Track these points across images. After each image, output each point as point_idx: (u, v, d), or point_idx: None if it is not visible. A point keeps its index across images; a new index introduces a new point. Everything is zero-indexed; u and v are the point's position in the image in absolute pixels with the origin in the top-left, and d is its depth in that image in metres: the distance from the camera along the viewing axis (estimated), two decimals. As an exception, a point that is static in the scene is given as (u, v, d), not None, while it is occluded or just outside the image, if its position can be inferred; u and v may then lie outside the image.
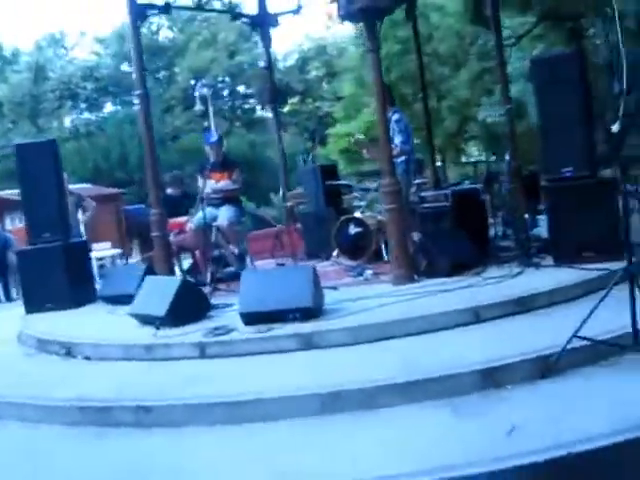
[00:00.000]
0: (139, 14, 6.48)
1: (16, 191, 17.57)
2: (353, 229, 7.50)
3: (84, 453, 3.52)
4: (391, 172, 5.89)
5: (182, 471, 3.11)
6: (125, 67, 31.91)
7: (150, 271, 6.78)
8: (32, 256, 7.25)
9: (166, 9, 6.91)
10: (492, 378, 3.60)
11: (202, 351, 4.64)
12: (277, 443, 3.29)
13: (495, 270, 5.92)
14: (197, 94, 20.93)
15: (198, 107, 20.84)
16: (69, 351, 5.26)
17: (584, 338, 3.64)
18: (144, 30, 32.61)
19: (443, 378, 3.61)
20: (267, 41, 10.05)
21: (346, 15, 5.91)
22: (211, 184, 6.52)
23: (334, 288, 5.75)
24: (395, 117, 6.59)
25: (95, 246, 14.31)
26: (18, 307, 7.56)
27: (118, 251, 13.89)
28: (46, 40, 32.45)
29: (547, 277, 5.33)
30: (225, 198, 6.58)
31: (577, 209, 5.64)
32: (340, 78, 23.78)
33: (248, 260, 6.76)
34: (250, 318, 4.85)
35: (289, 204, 9.14)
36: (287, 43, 48.51)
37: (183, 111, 28.90)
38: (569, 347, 3.62)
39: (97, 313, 6.57)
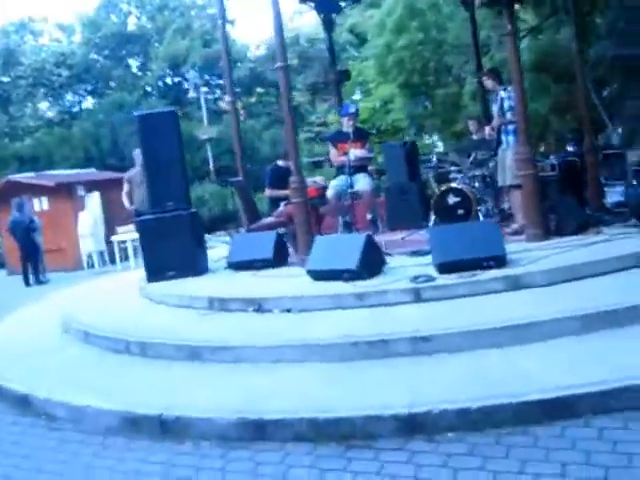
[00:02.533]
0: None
1: (31, 174, 17.49)
2: (452, 199, 8.05)
3: (376, 379, 3.94)
4: (525, 142, 6.49)
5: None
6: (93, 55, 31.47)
7: (280, 237, 7.22)
8: (154, 225, 7.40)
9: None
10: None
11: (417, 296, 5.12)
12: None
13: (608, 230, 6.62)
14: (191, 82, 21.08)
15: (192, 94, 21.03)
16: (259, 307, 5.60)
17: None
18: (113, 17, 32.32)
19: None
20: (329, 26, 10.53)
21: (489, 1, 6.42)
22: (354, 152, 6.92)
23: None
24: (509, 88, 7.16)
25: (120, 229, 14.48)
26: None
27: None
28: (14, 26, 31.54)
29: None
30: (360, 166, 7.02)
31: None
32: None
33: (380, 225, 7.23)
34: (445, 267, 5.37)
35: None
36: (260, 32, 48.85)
37: (159, 99, 28.70)
38: None
39: (239, 276, 6.87)
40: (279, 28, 6.83)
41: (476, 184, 8.23)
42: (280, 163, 8.17)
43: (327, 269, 5.80)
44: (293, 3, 56.20)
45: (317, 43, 34.30)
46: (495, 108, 7.26)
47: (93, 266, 15.23)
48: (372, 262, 5.78)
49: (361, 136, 7.29)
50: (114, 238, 13.62)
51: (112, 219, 15.69)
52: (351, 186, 6.92)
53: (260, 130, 27.18)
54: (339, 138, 7.29)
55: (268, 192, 8.07)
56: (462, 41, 15.02)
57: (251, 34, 70.41)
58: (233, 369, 4.49)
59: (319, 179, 8.24)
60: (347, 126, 7.18)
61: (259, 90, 34.15)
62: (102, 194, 15.72)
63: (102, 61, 31.24)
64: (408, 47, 15.34)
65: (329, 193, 7.25)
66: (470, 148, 8.36)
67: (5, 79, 28.75)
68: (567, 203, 6.92)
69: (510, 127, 7.16)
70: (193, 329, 5.38)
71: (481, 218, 7.92)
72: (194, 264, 7.40)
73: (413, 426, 3.33)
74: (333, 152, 7.42)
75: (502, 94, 7.02)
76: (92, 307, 7.11)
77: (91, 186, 15.99)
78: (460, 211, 8.00)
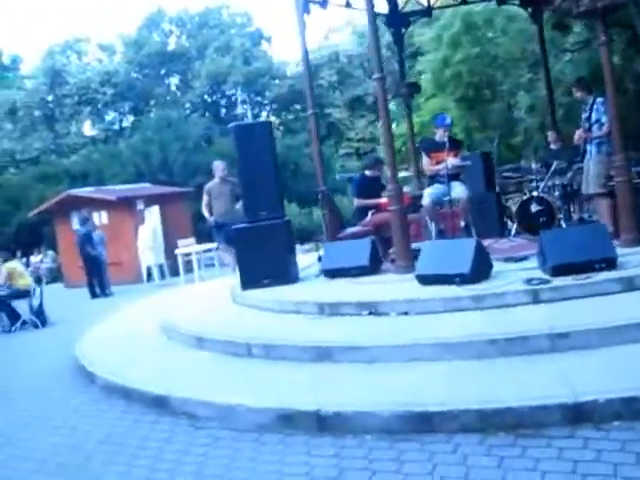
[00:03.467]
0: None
1: (91, 188, 17.94)
2: (535, 207, 8.17)
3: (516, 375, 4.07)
4: (622, 148, 6.59)
5: None
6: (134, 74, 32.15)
7: (374, 244, 7.39)
8: (250, 233, 7.60)
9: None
10: None
11: (535, 297, 5.24)
12: None
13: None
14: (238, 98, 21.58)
15: (240, 110, 21.54)
16: (374, 311, 5.76)
17: None
18: (155, 36, 33.02)
19: None
20: (400, 40, 10.78)
21: (584, 13, 6.55)
22: (451, 161, 7.09)
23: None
24: (600, 100, 7.27)
25: (181, 242, 14.77)
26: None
27: (205, 246, 14.33)
28: (59, 46, 32.40)
29: None
30: (455, 174, 7.19)
31: None
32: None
33: (473, 231, 7.38)
34: (558, 270, 5.48)
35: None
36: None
37: (201, 116, 29.23)
38: None
39: (336, 283, 7.04)
40: (374, 40, 7.04)
41: (556, 193, 8.35)
42: (367, 173, 8.36)
43: (437, 273, 5.94)
44: (328, 20, 57.29)
45: (354, 60, 34.84)
46: (584, 118, 7.38)
47: (153, 279, 15.55)
48: (482, 267, 5.92)
49: (456, 145, 7.47)
50: (178, 251, 13.90)
51: (171, 232, 16.05)
52: (448, 193, 7.09)
53: (299, 146, 27.49)
54: (435, 147, 7.47)
55: (357, 202, 8.24)
56: (515, 55, 15.20)
57: (288, 51, 71.77)
58: (368, 369, 4.63)
59: (407, 188, 8.41)
60: (442, 136, 7.35)
61: (297, 107, 34.63)
62: (161, 208, 16.08)
63: (142, 79, 31.88)
64: (465, 61, 15.54)
65: (425, 201, 7.41)
66: (552, 157, 8.48)
67: (50, 97, 29.48)
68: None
69: (595, 139, 7.28)
70: (311, 332, 5.53)
71: (563, 226, 8.05)
72: (288, 272, 7.59)
73: (580, 415, 3.45)
74: (426, 161, 7.60)
75: (596, 107, 7.13)
76: (193, 314, 7.33)
77: (150, 200, 16.36)
78: (542, 219, 8.13)
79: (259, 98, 32.50)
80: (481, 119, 16.11)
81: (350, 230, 8.52)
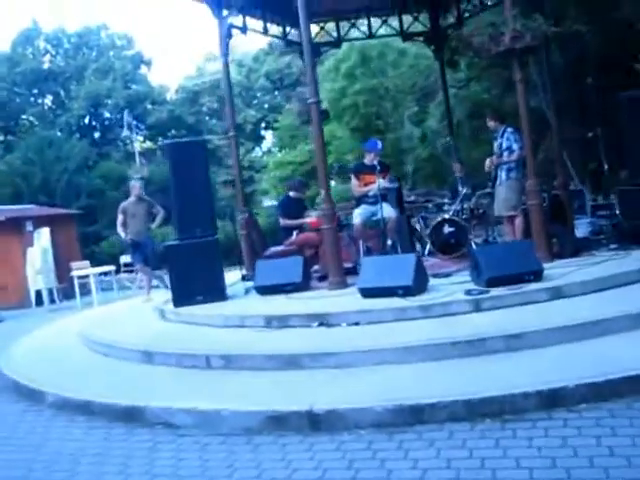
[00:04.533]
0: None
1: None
2: (447, 229, 8.82)
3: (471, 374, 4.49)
4: (535, 174, 7.37)
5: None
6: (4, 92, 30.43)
7: (305, 262, 7.68)
8: (183, 250, 7.66)
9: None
10: None
11: (477, 306, 5.75)
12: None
13: (598, 253, 7.58)
14: (125, 121, 21.24)
15: (125, 134, 21.18)
16: (324, 322, 6.02)
17: None
18: (28, 54, 31.59)
19: None
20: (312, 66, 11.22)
21: (504, 52, 7.27)
22: (381, 182, 7.52)
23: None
24: (510, 130, 8.02)
25: (74, 265, 14.28)
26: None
27: (102, 269, 13.98)
28: None
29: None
30: (382, 196, 7.62)
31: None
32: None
33: (399, 249, 7.85)
34: (493, 282, 6.04)
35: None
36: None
37: (79, 139, 28.19)
38: None
39: (272, 299, 7.21)
40: (311, 68, 7.42)
41: (464, 216, 9.06)
42: (291, 194, 8.66)
43: (380, 286, 6.31)
44: (203, 48, 57.40)
45: (234, 88, 35.19)
46: (496, 146, 8.12)
47: (42, 303, 14.81)
48: (421, 280, 6.38)
49: (385, 168, 7.94)
50: (75, 273, 13.38)
51: (61, 255, 15.40)
52: (377, 213, 7.54)
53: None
54: (364, 170, 7.91)
55: (282, 222, 8.50)
56: (404, 88, 16.21)
57: (167, 76, 70.99)
58: (338, 374, 4.86)
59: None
60: (372, 159, 7.80)
61: (174, 132, 34.33)
62: (50, 230, 15.40)
63: (14, 98, 30.31)
64: (361, 92, 16.35)
65: (356, 220, 7.82)
66: (458, 185, 9.21)
67: None
68: (563, 230, 7.86)
69: (505, 165, 8.03)
70: (267, 342, 5.71)
71: (474, 246, 8.74)
72: (220, 289, 7.70)
73: (556, 400, 3.90)
74: (355, 183, 8.01)
75: (506, 135, 7.87)
76: (129, 331, 7.21)
77: (39, 221, 15.62)
78: (453, 240, 8.80)
79: (137, 122, 31.87)
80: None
81: (274, 249, 8.77)
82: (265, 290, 7.56)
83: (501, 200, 8.05)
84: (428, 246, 9.02)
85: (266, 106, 37.67)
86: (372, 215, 7.75)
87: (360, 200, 7.97)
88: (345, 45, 16.39)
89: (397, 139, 17.09)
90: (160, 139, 34.70)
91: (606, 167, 9.63)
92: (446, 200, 9.34)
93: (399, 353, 4.96)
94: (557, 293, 5.84)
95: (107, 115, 31.05)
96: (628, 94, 8.26)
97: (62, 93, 31.10)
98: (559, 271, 6.44)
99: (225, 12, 9.14)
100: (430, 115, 15.56)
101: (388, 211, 7.63)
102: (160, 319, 7.60)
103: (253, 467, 3.75)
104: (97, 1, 56.92)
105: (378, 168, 7.54)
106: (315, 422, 4.13)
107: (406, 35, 11.42)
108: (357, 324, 5.88)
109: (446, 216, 8.94)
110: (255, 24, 10.21)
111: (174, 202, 7.74)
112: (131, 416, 4.74)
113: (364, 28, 11.46)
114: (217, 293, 7.64)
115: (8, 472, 4.14)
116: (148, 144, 31.96)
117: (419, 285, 6.29)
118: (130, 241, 9.45)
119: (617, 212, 8.48)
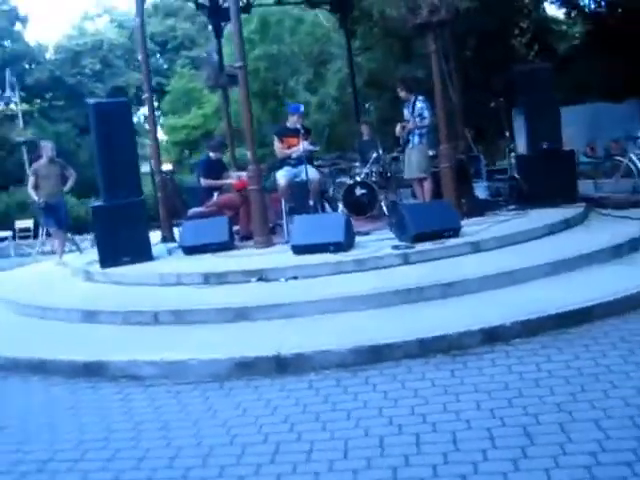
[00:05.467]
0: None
1: None
2: (359, 191, 9.30)
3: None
4: (446, 140, 7.97)
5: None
6: None
7: (230, 222, 7.91)
8: (109, 212, 7.64)
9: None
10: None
11: (406, 259, 6.27)
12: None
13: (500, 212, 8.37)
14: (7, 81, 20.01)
15: (8, 94, 19.97)
16: (262, 277, 6.32)
17: None
18: None
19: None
20: (219, 33, 11.28)
21: (420, 25, 7.71)
22: (304, 145, 7.81)
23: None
24: (421, 98, 8.54)
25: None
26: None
27: None
28: None
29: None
30: (306, 158, 7.93)
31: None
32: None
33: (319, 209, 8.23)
34: (418, 237, 6.60)
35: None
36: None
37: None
38: None
39: (200, 258, 7.41)
40: (238, 29, 7.56)
41: (373, 178, 9.57)
42: (211, 155, 8.78)
43: (312, 243, 6.70)
44: (83, 5, 54.16)
45: (115, 49, 33.84)
46: (407, 113, 8.64)
47: None
48: (350, 237, 6.82)
49: (307, 132, 8.24)
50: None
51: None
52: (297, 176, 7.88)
53: (68, 134, 26.11)
54: (287, 133, 8.17)
55: (204, 182, 8.61)
56: (302, 54, 16.48)
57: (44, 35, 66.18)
58: (291, 323, 5.21)
59: (243, 173, 8.94)
60: (295, 122, 8.07)
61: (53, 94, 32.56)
62: None
63: None
64: (262, 58, 16.42)
65: (281, 182, 8.09)
66: (367, 147, 9.70)
67: None
68: (470, 191, 8.57)
69: (417, 131, 8.59)
70: (212, 297, 5.94)
71: (383, 207, 9.31)
72: (146, 250, 7.78)
73: (495, 336, 4.47)
74: (278, 145, 8.26)
75: (418, 104, 8.40)
76: (55, 293, 7.13)
77: None
78: (365, 201, 9.31)
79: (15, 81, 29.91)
80: (273, 113, 17.18)
81: (194, 210, 8.89)
82: (192, 250, 7.74)
83: (413, 163, 8.62)
84: (340, 207, 9.46)
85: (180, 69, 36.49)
86: (295, 176, 8.07)
87: (283, 162, 8.25)
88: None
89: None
90: (38, 101, 32.92)
91: (507, 134, 10.47)
92: (357, 164, 9.78)
93: (347, 302, 5.38)
94: (476, 247, 6.50)
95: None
96: (519, 68, 9.08)
97: None
98: (472, 229, 7.10)
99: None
100: (328, 82, 15.96)
101: (312, 172, 7.98)
102: (86, 280, 7.57)
103: (232, 407, 4.03)
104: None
105: (302, 131, 7.84)
106: (283, 365, 4.46)
107: (313, 3, 11.67)
108: (295, 278, 6.24)
109: (357, 179, 9.42)
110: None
111: (99, 163, 7.67)
112: (93, 372, 4.82)
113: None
114: (144, 254, 7.73)
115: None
116: (25, 106, 30.06)
117: (349, 241, 6.73)
118: (43, 204, 9.18)
119: (515, 175, 9.32)
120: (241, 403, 4.07)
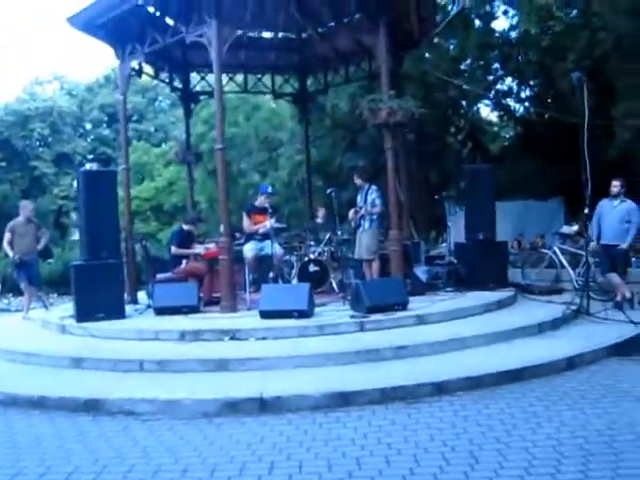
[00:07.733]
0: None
1: None
2: (313, 267, 10.23)
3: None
4: (399, 226, 9.08)
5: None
6: None
7: (198, 288, 8.69)
8: (88, 271, 8.28)
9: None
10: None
11: (362, 327, 7.19)
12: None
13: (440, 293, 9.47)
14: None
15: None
16: (234, 336, 7.09)
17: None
18: None
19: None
20: (188, 114, 12.36)
21: (379, 124, 8.96)
22: (271, 223, 8.75)
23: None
24: (375, 187, 9.65)
25: None
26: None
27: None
28: None
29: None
30: (268, 234, 8.85)
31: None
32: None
33: (282, 280, 9.10)
34: (371, 309, 7.54)
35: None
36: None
37: None
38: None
39: (172, 318, 8.08)
40: (221, 116, 8.59)
41: (324, 258, 10.54)
42: (184, 227, 9.61)
43: (279, 309, 7.53)
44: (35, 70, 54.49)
45: (65, 116, 34.45)
46: (360, 199, 9.73)
47: None
48: (312, 305, 7.71)
49: (275, 211, 9.20)
50: None
51: None
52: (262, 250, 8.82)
53: (14, 197, 26.26)
54: (255, 210, 9.11)
55: (174, 250, 9.36)
56: (258, 139, 17.70)
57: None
58: (266, 374, 5.97)
59: (211, 245, 9.75)
60: (263, 202, 9.04)
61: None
62: None
63: None
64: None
65: (248, 254, 8.94)
66: (318, 229, 10.75)
67: None
68: (413, 273, 9.66)
69: (368, 216, 9.68)
70: (193, 351, 6.64)
71: (334, 285, 10.24)
72: (120, 308, 8.41)
73: (444, 389, 5.39)
74: (247, 221, 9.16)
75: (371, 193, 9.51)
76: (34, 343, 7.61)
77: None
78: (317, 277, 10.22)
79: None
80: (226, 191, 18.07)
81: (162, 276, 9.59)
82: (163, 310, 8.42)
83: (363, 245, 9.63)
84: (294, 281, 10.33)
85: (92, 137, 37.14)
86: (260, 250, 8.97)
87: (249, 236, 9.14)
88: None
89: (247, 185, 18.44)
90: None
91: (450, 224, 11.74)
92: (312, 243, 10.75)
93: (316, 358, 6.22)
94: (422, 320, 7.49)
95: None
96: (469, 166, 10.45)
97: None
98: (417, 305, 8.10)
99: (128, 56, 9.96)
100: (280, 166, 17.14)
101: (276, 247, 8.90)
102: (62, 333, 8.08)
103: (226, 437, 4.75)
104: None
105: (270, 211, 8.81)
106: (264, 406, 5.21)
107: (277, 94, 12.96)
108: (264, 339, 7.03)
109: (312, 256, 10.36)
110: (147, 69, 11.13)
111: (83, 225, 8.38)
112: (91, 407, 5.41)
113: (240, 82, 12.80)
114: (118, 311, 8.36)
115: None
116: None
117: (311, 310, 7.63)
118: (18, 260, 9.68)
119: (453, 260, 10.50)
120: (233, 434, 4.79)
